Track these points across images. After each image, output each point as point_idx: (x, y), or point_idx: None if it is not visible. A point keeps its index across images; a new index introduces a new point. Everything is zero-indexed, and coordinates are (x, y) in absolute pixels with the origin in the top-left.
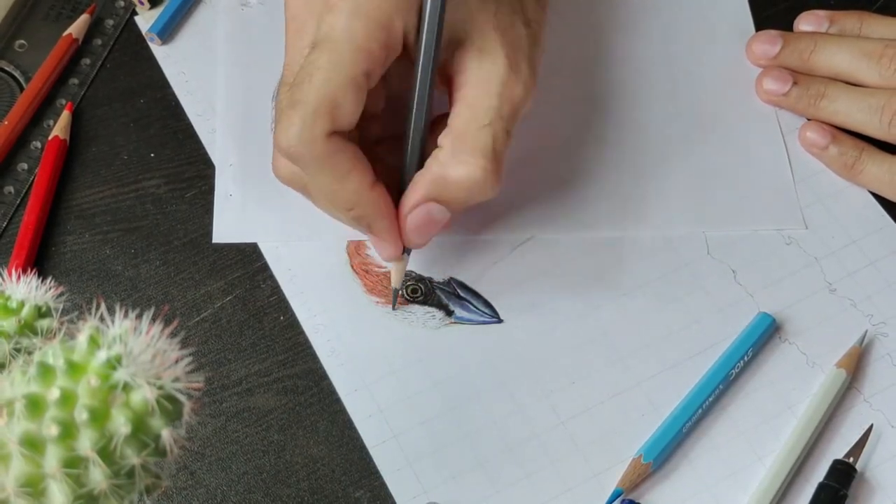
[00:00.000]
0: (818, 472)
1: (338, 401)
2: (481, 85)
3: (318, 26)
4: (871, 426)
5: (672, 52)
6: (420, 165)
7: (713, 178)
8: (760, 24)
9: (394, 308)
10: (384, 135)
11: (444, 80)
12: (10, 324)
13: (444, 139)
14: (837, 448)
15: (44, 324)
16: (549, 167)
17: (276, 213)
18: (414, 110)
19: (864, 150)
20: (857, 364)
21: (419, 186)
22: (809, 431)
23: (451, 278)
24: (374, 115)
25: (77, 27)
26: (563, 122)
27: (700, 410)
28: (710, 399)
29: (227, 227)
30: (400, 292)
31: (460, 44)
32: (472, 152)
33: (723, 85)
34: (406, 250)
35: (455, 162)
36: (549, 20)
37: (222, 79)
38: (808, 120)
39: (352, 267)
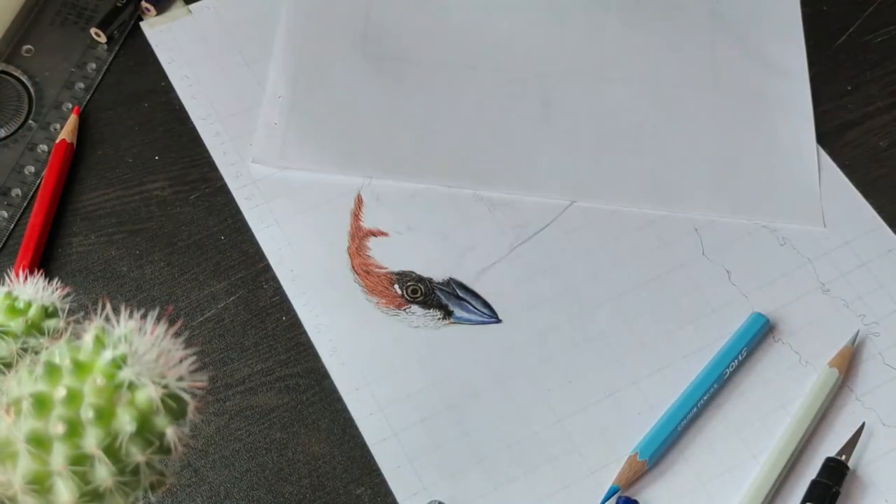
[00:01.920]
0: (811, 470)
1: (339, 399)
2: None
3: None
4: (863, 424)
5: (718, 39)
6: None
7: (741, 167)
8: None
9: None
10: None
11: None
12: (17, 324)
13: None
14: (830, 446)
15: (50, 324)
16: (581, 137)
17: (315, 145)
18: None
19: None
20: (849, 363)
21: None
22: (802, 430)
23: (451, 279)
24: None
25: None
26: (608, 99)
27: (695, 409)
28: (705, 398)
29: (266, 152)
30: (400, 293)
31: None
32: None
33: (763, 75)
34: None
35: None
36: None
37: (284, 17)
38: None
39: (353, 268)
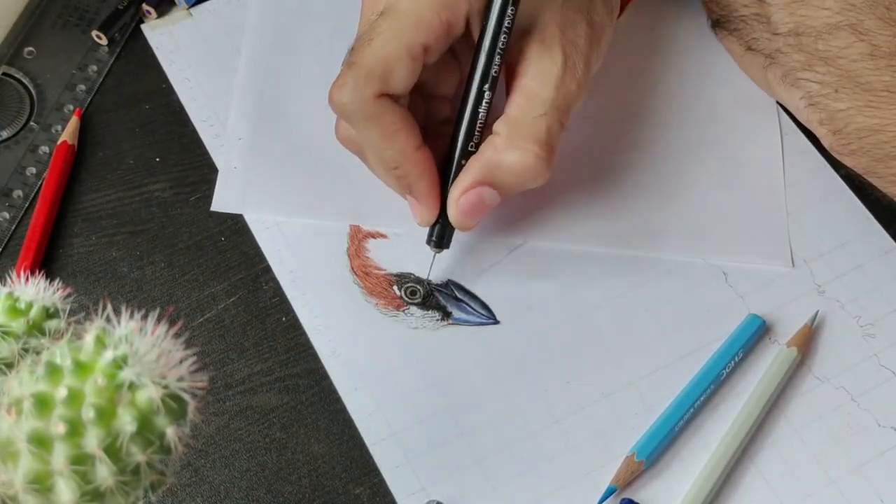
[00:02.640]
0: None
1: (338, 400)
2: (539, 77)
3: None
4: None
5: (685, 85)
6: (468, 150)
7: (710, 208)
8: None
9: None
10: (452, 116)
11: (506, 62)
12: (18, 324)
13: (499, 126)
14: (828, 445)
15: (51, 324)
16: (557, 178)
17: (277, 189)
18: (472, 96)
19: None
20: (808, 343)
21: (473, 170)
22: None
23: (450, 280)
24: (445, 97)
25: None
26: (578, 137)
27: (692, 409)
28: (702, 398)
29: (226, 198)
30: (399, 294)
31: (522, 34)
32: (527, 139)
33: (731, 115)
34: (438, 245)
35: (510, 148)
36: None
37: (245, 58)
38: None
39: (352, 269)
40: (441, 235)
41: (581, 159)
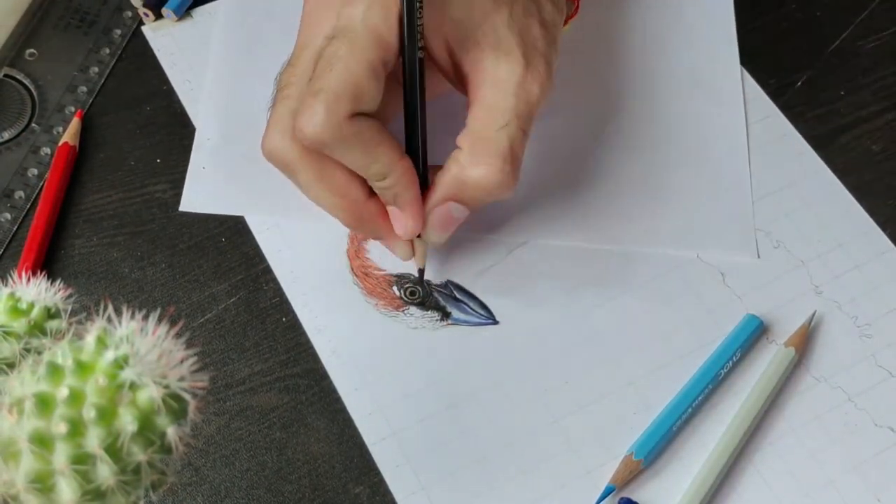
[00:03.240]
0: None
1: (338, 399)
2: (498, 84)
3: (338, 18)
4: None
5: (659, 67)
6: (417, 157)
7: (674, 197)
8: (743, 39)
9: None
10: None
11: (460, 80)
12: (20, 324)
13: (462, 140)
14: (821, 445)
15: (53, 324)
16: (542, 175)
17: (246, 188)
18: (412, 114)
19: None
20: (805, 342)
21: (439, 187)
22: (758, 406)
23: (449, 281)
24: (388, 119)
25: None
26: (559, 133)
27: (690, 409)
28: (700, 398)
29: (196, 198)
30: (398, 294)
31: (476, 44)
32: (490, 154)
33: (697, 97)
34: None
35: (474, 164)
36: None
37: (214, 59)
38: None
39: (352, 270)
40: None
41: (558, 155)
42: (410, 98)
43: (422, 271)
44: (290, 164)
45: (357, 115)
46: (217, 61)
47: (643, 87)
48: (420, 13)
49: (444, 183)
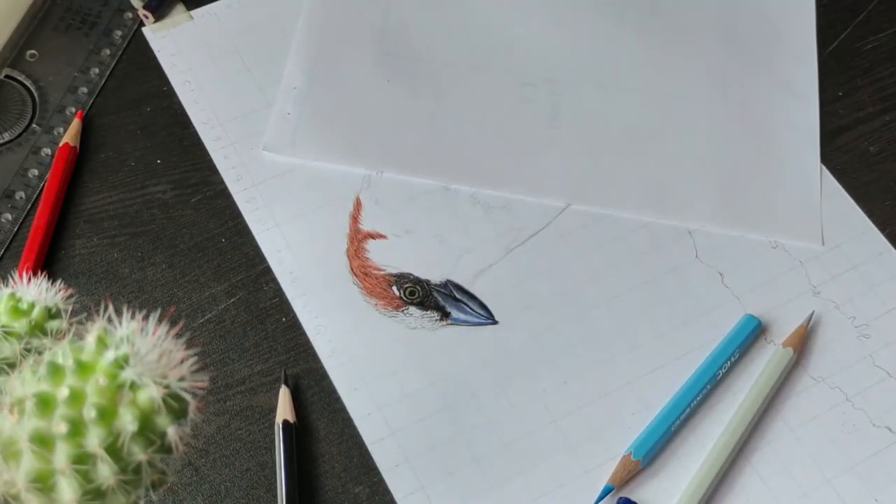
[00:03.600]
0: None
1: (338, 399)
2: None
3: None
4: None
5: (730, 55)
6: None
7: (743, 180)
8: (822, 30)
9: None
10: None
11: None
12: (21, 325)
13: None
14: (821, 444)
15: (53, 325)
16: (588, 142)
17: (326, 136)
18: None
19: None
20: (803, 343)
21: None
22: (757, 405)
23: (448, 281)
24: None
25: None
26: (610, 104)
27: (688, 409)
28: (698, 398)
29: (278, 141)
30: (398, 294)
31: None
32: None
33: (771, 87)
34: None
35: None
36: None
37: (305, 13)
38: None
39: (351, 270)
40: None
41: (630, 126)
42: None
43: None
44: None
45: None
46: (309, 13)
47: (719, 74)
48: None
49: None
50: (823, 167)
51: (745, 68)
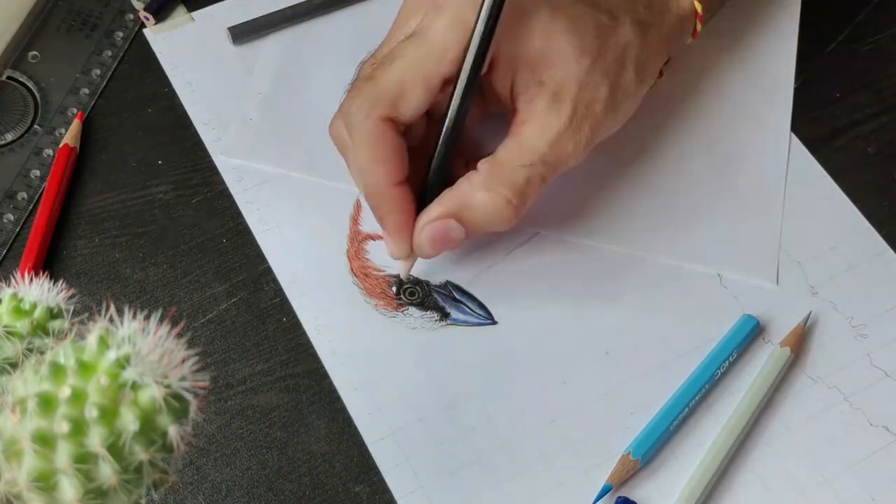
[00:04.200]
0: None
1: (338, 399)
2: (539, 129)
3: (421, 20)
4: None
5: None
6: (441, 179)
7: (708, 215)
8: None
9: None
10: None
11: (507, 107)
12: (23, 325)
13: (482, 164)
14: (820, 442)
15: (55, 325)
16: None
17: (286, 143)
18: (445, 127)
19: None
20: (801, 343)
21: (444, 201)
22: (753, 406)
23: (448, 281)
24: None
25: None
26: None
27: (687, 409)
28: (697, 398)
29: (237, 145)
30: (398, 295)
31: (539, 84)
32: (503, 184)
33: (742, 123)
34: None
35: (484, 188)
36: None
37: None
38: None
39: (352, 271)
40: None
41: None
42: (453, 106)
43: (400, 280)
44: (346, 144)
45: (388, 120)
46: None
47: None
48: (492, 35)
49: (450, 198)
50: (822, 169)
51: (717, 96)
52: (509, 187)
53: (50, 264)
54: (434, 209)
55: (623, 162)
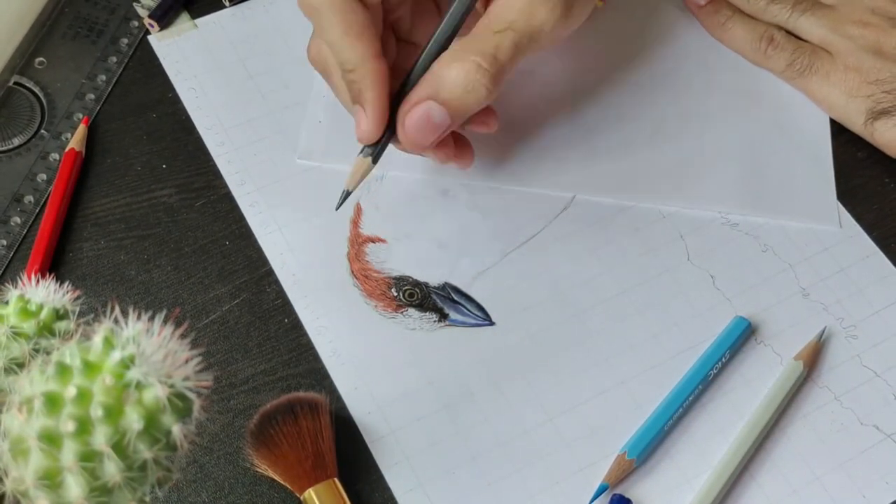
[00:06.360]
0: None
1: (338, 399)
2: (508, 1)
3: None
4: None
5: None
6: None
7: (756, 161)
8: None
9: (336, 209)
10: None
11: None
12: (29, 325)
13: (456, 41)
14: (808, 442)
15: (61, 325)
16: (592, 128)
17: (354, 143)
18: (445, 19)
19: (736, 13)
20: (815, 358)
21: (422, 85)
22: (766, 418)
23: (446, 283)
24: (417, 44)
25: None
26: (612, 89)
27: (681, 409)
28: (691, 398)
29: (311, 148)
30: (397, 296)
31: None
32: (472, 51)
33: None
34: (373, 157)
35: (454, 60)
36: None
37: None
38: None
39: (352, 273)
40: (377, 149)
41: (606, 100)
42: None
43: (347, 193)
44: (326, 60)
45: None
46: None
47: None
48: None
49: (425, 80)
50: None
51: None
52: (479, 53)
53: (56, 266)
54: (412, 95)
55: (666, 117)
